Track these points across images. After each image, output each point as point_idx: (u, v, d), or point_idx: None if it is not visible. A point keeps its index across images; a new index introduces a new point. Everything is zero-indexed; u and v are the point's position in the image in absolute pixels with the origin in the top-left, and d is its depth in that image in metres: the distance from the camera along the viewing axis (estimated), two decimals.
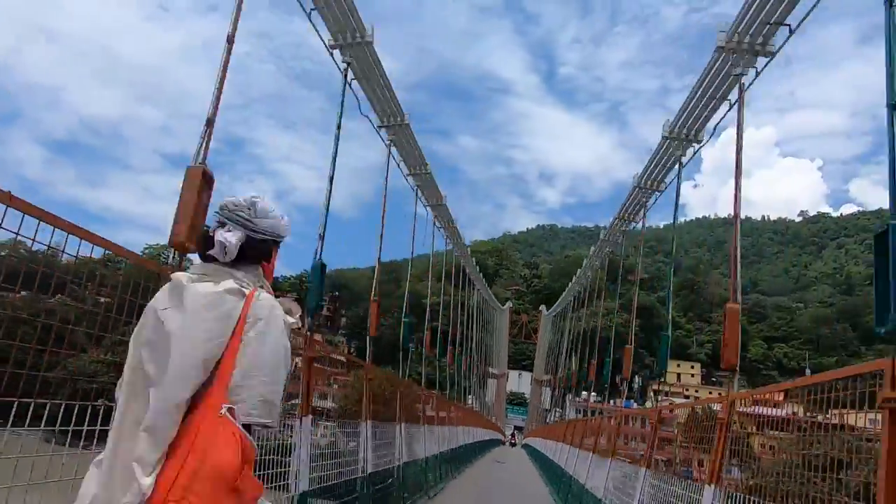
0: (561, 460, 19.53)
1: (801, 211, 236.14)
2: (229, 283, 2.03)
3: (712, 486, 4.88)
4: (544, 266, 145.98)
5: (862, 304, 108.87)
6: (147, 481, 1.71)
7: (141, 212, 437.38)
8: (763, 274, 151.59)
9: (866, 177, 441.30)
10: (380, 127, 14.91)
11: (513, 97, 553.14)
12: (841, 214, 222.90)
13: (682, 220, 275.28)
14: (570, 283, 40.92)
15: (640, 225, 20.44)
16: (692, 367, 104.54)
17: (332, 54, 11.47)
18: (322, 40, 11.12)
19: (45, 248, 2.81)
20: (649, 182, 17.10)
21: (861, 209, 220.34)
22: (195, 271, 2.14)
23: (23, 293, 3.25)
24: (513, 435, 49.75)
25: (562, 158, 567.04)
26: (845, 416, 3.55)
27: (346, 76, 11.66)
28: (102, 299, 3.68)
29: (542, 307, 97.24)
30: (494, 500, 17.37)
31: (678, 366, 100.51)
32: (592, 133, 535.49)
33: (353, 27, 11.10)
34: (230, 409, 1.83)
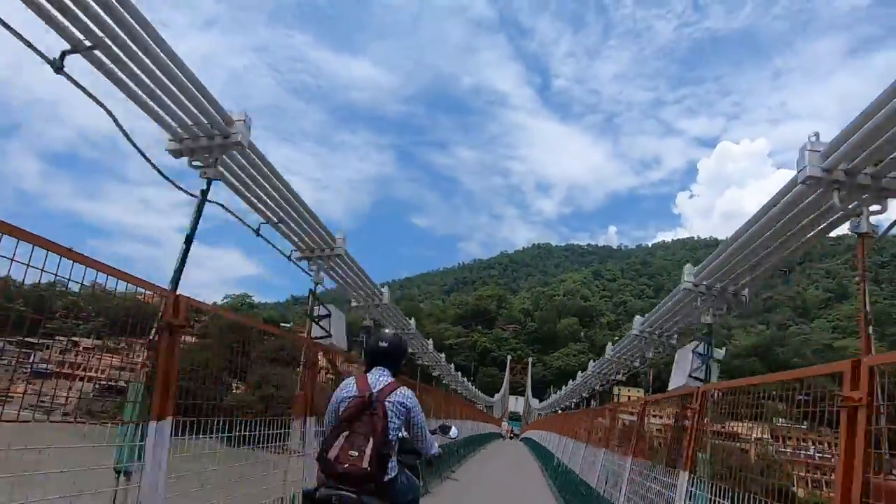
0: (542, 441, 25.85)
1: None
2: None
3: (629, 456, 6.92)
4: (538, 307, 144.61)
5: (778, 337, 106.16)
6: None
7: (138, 223, 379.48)
8: None
9: None
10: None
11: (509, 109, 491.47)
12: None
13: (669, 238, 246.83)
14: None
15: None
16: (639, 391, 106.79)
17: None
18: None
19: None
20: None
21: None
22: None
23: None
24: (510, 430, 61.20)
25: (558, 169, 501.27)
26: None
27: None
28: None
29: (530, 359, 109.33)
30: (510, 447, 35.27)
31: (629, 391, 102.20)
32: (587, 144, 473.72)
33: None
34: None
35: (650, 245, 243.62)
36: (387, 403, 3.01)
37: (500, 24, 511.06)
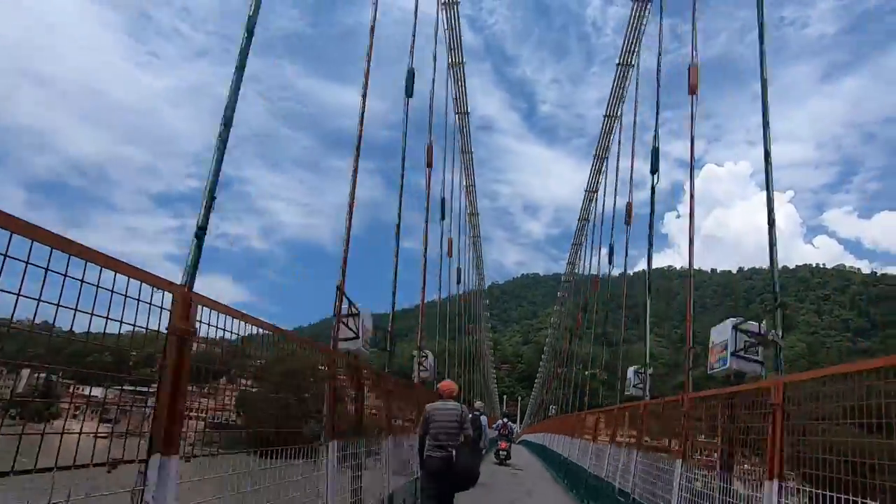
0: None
1: (741, 267, 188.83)
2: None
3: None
4: (527, 340, 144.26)
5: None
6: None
7: (124, 251, 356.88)
8: (702, 325, 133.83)
9: (837, 207, 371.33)
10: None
11: (496, 133, 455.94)
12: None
13: (641, 269, 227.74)
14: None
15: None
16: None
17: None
18: None
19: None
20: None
21: (790, 265, 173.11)
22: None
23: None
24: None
25: (545, 191, 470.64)
26: None
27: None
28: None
29: (518, 397, 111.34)
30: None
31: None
32: (572, 167, 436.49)
33: None
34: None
35: (631, 274, 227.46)
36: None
37: (487, 53, 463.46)
